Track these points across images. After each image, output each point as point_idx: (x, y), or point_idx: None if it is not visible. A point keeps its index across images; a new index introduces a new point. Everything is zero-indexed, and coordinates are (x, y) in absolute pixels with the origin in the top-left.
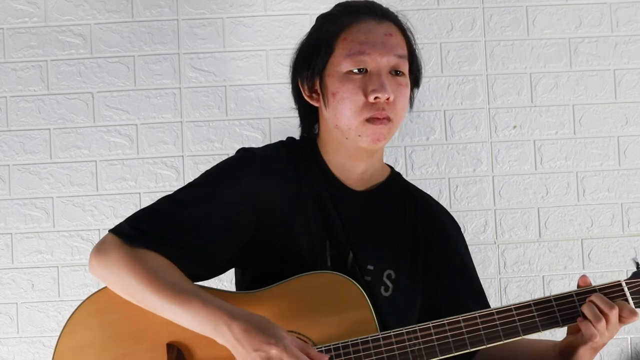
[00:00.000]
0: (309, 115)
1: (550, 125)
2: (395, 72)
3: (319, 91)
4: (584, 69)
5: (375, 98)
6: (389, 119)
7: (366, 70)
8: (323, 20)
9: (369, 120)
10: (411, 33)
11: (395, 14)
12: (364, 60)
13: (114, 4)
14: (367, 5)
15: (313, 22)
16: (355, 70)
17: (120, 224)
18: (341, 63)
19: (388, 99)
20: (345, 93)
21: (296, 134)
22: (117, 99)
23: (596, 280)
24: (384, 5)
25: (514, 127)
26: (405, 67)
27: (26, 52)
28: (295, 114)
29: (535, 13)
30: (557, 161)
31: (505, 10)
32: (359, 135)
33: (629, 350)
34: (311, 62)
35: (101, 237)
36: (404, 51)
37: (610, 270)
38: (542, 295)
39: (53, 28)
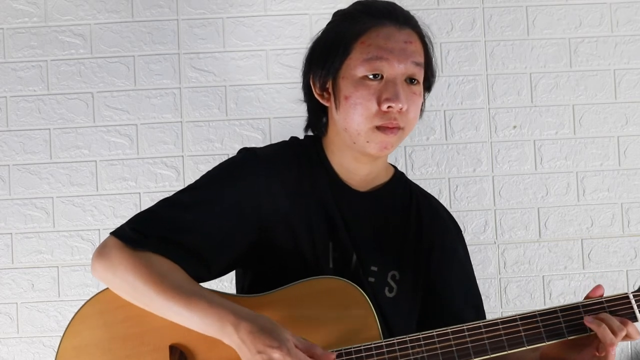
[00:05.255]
0: (317, 113)
1: (550, 125)
2: (410, 81)
3: (330, 91)
4: (584, 69)
5: (389, 107)
6: (399, 128)
7: (382, 77)
8: (341, 18)
9: (379, 128)
10: (430, 41)
11: (416, 19)
12: (381, 66)
13: (114, 4)
14: (389, 9)
15: (313, 22)
16: (371, 76)
17: (122, 227)
18: (357, 67)
19: (401, 108)
20: (358, 98)
21: (296, 133)
22: (117, 99)
23: (596, 281)
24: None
25: (514, 127)
26: (420, 76)
27: (26, 52)
28: (295, 113)
29: (535, 13)
30: (557, 161)
31: (505, 10)
32: (367, 142)
33: (629, 350)
34: (326, 61)
35: (102, 239)
36: (421, 59)
37: (610, 270)
38: (542, 295)
39: (53, 28)
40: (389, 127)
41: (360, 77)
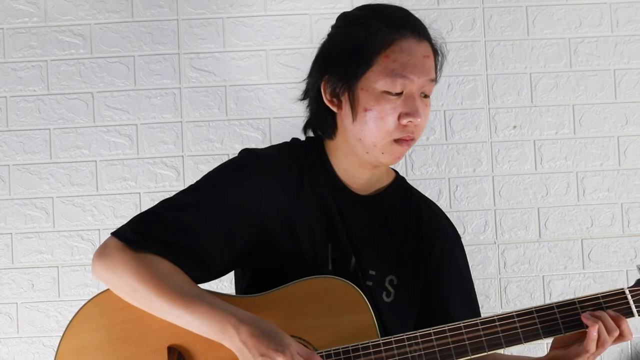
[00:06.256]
0: (325, 117)
1: (550, 125)
2: (424, 95)
3: (342, 99)
4: (584, 69)
5: (408, 122)
6: (413, 139)
7: (401, 92)
8: (353, 24)
9: (397, 141)
10: (441, 51)
11: (428, 29)
12: (403, 83)
13: (114, 4)
14: (407, 19)
15: (313, 22)
16: (393, 92)
17: (123, 227)
18: (379, 80)
19: (418, 122)
20: (380, 112)
21: (297, 133)
22: (117, 99)
23: (596, 280)
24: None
25: (514, 127)
26: (432, 90)
27: (26, 52)
28: (295, 113)
29: (535, 13)
30: (557, 161)
31: (505, 10)
32: (383, 153)
33: (629, 350)
34: (346, 70)
35: (102, 239)
36: (434, 73)
37: (610, 270)
38: (542, 295)
39: (53, 28)
40: (405, 139)
41: (382, 91)
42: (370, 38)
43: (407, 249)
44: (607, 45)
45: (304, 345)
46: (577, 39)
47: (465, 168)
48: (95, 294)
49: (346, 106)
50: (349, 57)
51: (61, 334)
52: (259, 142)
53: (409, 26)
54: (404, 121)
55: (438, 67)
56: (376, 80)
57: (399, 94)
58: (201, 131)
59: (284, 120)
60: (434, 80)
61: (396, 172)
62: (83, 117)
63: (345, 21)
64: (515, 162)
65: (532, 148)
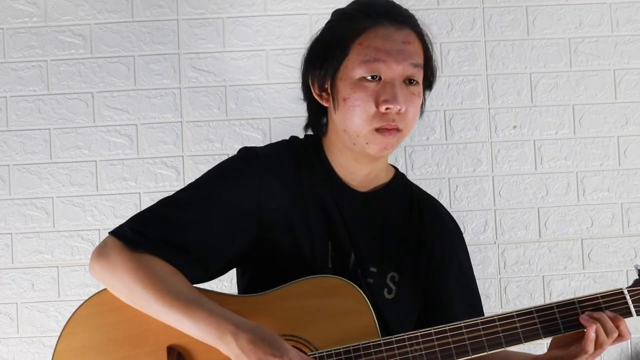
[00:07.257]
0: (317, 113)
1: (550, 125)
2: (409, 81)
3: (329, 92)
4: (584, 69)
5: (387, 109)
6: (398, 129)
7: (380, 78)
8: (339, 17)
9: (378, 130)
10: (429, 39)
11: (415, 18)
12: (379, 68)
13: (114, 4)
14: (387, 8)
15: (313, 22)
16: (369, 78)
17: (121, 226)
18: (355, 68)
19: (399, 110)
20: (356, 100)
21: (296, 133)
22: (117, 99)
23: (596, 280)
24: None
25: (514, 127)
26: (419, 76)
27: (26, 52)
28: (295, 113)
29: (535, 13)
30: (557, 161)
31: (505, 10)
32: (367, 143)
33: (629, 350)
34: (324, 62)
35: (101, 239)
36: (420, 59)
37: (610, 270)
38: (542, 295)
39: (53, 28)
40: (387, 128)
41: (358, 78)
42: (347, 28)
43: (408, 245)
44: (607, 45)
45: (305, 345)
46: (577, 39)
47: (465, 168)
48: (94, 293)
49: (330, 98)
50: (328, 49)
51: None
52: (259, 142)
53: (387, 15)
54: (382, 108)
55: (430, 53)
56: (352, 68)
57: (377, 80)
58: (201, 131)
59: (284, 120)
60: (420, 66)
61: (396, 168)
62: (83, 117)
63: (333, 16)
64: (515, 162)
65: (532, 148)
